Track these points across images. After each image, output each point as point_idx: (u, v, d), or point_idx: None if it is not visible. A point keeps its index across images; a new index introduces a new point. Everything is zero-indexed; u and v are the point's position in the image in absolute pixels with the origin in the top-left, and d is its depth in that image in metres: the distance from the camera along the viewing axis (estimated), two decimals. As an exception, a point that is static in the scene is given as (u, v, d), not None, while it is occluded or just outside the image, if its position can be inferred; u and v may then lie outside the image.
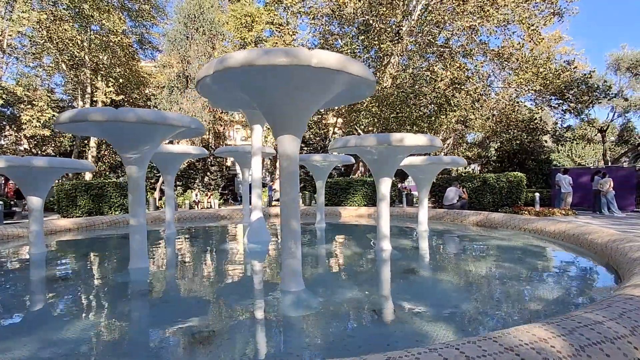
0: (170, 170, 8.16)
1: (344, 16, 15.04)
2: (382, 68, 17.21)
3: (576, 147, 36.78)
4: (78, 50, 18.24)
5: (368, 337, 2.65)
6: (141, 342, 2.68)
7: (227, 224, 10.79)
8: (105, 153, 22.73)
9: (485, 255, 5.85)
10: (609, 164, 25.03)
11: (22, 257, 5.91)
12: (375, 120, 16.96)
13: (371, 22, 15.61)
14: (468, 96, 15.50)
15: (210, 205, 20.55)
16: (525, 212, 12.25)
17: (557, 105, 18.58)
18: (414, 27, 16.40)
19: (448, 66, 15.43)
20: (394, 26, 16.51)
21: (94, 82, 20.04)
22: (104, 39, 18.02)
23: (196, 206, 20.30)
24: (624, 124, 29.58)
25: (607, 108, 28.28)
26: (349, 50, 16.27)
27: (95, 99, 20.82)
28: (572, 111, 18.59)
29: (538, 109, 19.16)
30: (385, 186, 5.74)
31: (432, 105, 16.51)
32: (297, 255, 3.62)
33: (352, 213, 12.27)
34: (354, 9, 14.83)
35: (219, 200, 21.65)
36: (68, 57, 18.54)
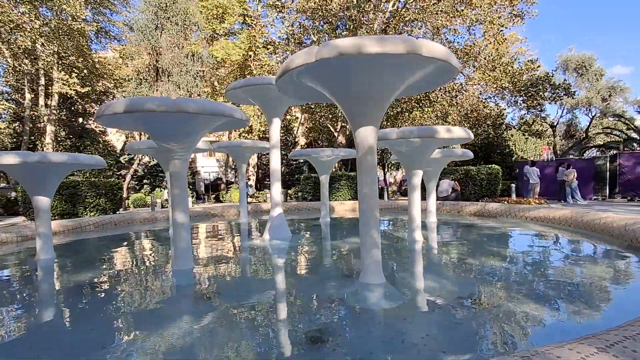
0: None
1: (329, 10, 15.00)
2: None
3: (519, 142, 39.54)
4: (31, 37, 16.58)
5: (478, 326, 2.71)
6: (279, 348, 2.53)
7: (223, 222, 10.41)
8: (63, 149, 20.90)
9: (511, 242, 6.16)
10: (559, 157, 27.22)
11: (36, 265, 5.31)
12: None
13: (353, 17, 15.70)
14: (446, 93, 16.14)
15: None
16: (506, 202, 13.00)
17: (521, 102, 19.91)
18: (388, 23, 16.72)
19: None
20: (370, 21, 16.73)
21: (49, 73, 18.34)
22: (63, 25, 16.50)
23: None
24: (570, 120, 32.41)
25: (556, 105, 30.71)
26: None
27: (50, 91, 19.10)
28: (535, 108, 20.04)
29: (502, 106, 20.40)
30: (417, 178, 5.85)
31: (411, 102, 16.98)
32: (379, 248, 3.59)
33: (346, 207, 12.35)
34: (339, 3, 14.85)
35: (193, 198, 20.79)
36: (14, 44, 16.78)
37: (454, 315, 2.88)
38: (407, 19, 16.47)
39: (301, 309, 3.21)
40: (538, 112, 23.32)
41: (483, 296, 3.38)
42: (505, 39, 20.25)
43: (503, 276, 4.15)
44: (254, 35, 17.92)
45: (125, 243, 7.25)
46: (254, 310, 3.13)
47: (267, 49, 17.76)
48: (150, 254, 6.01)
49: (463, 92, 16.92)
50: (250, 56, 18.29)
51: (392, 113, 16.56)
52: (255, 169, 24.66)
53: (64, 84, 17.09)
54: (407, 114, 16.91)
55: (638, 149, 21.03)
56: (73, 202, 11.97)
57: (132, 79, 18.26)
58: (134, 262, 5.45)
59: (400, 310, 3.03)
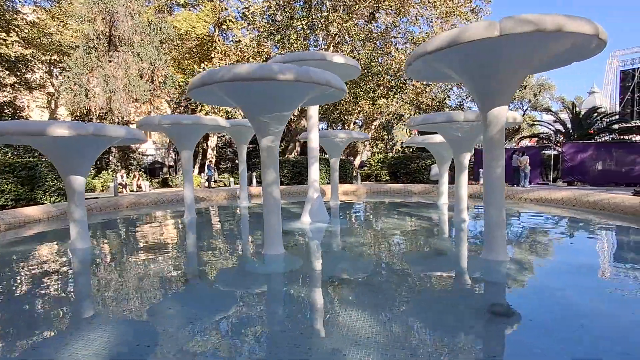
0: (188, 145, 7.01)
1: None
2: (335, 50, 17.27)
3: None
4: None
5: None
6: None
7: (223, 205, 9.78)
8: None
9: (534, 218, 6.69)
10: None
11: (79, 257, 4.51)
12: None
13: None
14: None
15: (141, 188, 18.10)
16: (476, 184, 14.05)
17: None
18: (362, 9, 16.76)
19: (402, 51, 16.36)
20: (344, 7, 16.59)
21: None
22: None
23: (124, 189, 17.65)
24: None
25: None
26: (296, 33, 15.93)
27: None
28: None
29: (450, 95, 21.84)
30: (466, 160, 6.07)
31: (382, 88, 17.32)
32: (505, 226, 3.69)
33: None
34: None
35: (149, 182, 19.13)
36: None
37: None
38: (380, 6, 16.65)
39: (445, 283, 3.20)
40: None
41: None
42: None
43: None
44: (221, 9, 16.78)
45: (145, 227, 6.47)
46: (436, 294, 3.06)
47: (244, 19, 16.72)
48: (210, 241, 5.46)
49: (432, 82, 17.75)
50: (217, 31, 17.14)
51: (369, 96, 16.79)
52: (214, 152, 23.40)
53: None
54: (381, 100, 17.27)
55: (564, 139, 23.94)
56: (31, 185, 10.31)
57: (77, 46, 15.96)
58: (217, 249, 4.89)
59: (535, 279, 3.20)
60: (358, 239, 5.38)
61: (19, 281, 3.52)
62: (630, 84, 30.42)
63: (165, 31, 16.68)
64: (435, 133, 8.67)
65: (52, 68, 19.65)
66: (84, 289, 3.41)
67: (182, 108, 20.88)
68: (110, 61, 16.13)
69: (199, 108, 18.57)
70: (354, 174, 17.32)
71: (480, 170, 16.69)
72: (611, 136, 27.50)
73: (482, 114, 3.63)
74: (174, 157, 35.50)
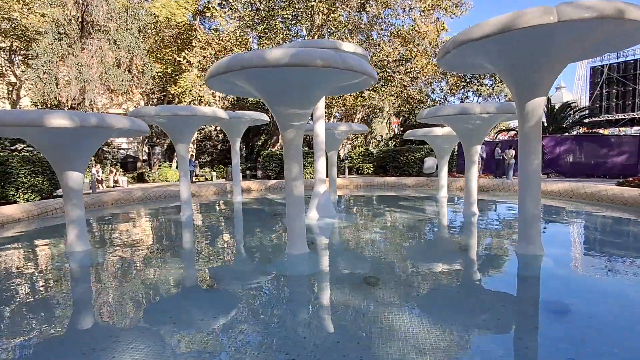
0: (184, 138, 6.60)
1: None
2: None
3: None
4: None
5: None
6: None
7: (211, 201, 9.38)
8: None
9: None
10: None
11: (79, 262, 4.08)
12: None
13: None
14: (407, 73, 16.72)
15: (118, 184, 17.25)
16: (462, 176, 14.23)
17: (463, 86, 21.68)
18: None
19: (389, 44, 16.24)
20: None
21: None
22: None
23: (100, 185, 16.74)
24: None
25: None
26: (281, 23, 15.55)
27: None
28: (475, 92, 22.07)
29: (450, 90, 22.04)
30: (475, 153, 5.99)
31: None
32: (540, 220, 3.60)
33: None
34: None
35: (126, 177, 18.23)
36: None
37: None
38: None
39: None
40: (464, 99, 25.77)
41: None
42: (445, 28, 21.60)
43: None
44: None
45: (153, 226, 6.03)
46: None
47: (226, 6, 16.09)
48: (219, 241, 5.12)
49: (419, 75, 17.75)
50: (197, 20, 16.43)
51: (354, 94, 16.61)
52: (194, 145, 22.62)
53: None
54: (367, 92, 17.12)
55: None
56: (2, 181, 9.50)
57: (46, 32, 14.82)
58: (232, 249, 4.56)
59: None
60: (375, 235, 5.20)
61: (20, 297, 3.11)
62: (599, 79, 31.69)
63: (143, 18, 15.81)
64: (434, 126, 8.61)
65: (13, 56, 18.31)
66: (105, 304, 3.05)
67: (156, 100, 19.95)
68: (83, 49, 15.14)
69: (176, 100, 17.82)
70: (342, 167, 17.16)
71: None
72: (582, 130, 28.63)
73: (519, 105, 3.51)
74: (147, 150, 34.22)
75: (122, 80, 14.59)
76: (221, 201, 9.17)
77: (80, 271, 3.74)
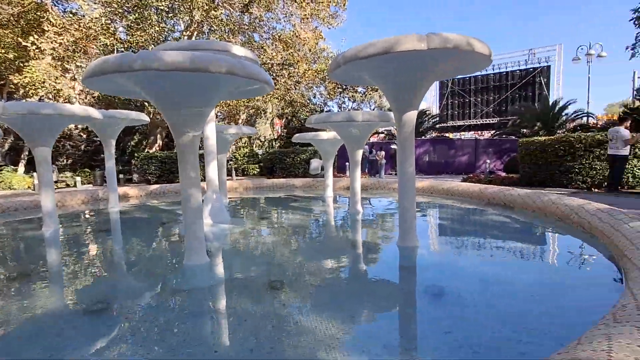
0: (45, 141, 5.63)
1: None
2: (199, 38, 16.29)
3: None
4: None
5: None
6: None
7: (80, 211, 8.17)
8: None
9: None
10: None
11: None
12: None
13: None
14: (290, 77, 17.20)
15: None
16: (342, 176, 15.42)
17: (339, 92, 23.25)
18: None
19: (273, 48, 16.50)
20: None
21: None
22: None
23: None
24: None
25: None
26: (156, 14, 14.49)
27: None
28: (350, 98, 23.90)
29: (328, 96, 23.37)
30: (358, 155, 6.63)
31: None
32: (415, 217, 4.22)
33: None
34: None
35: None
36: None
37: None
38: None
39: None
40: (340, 104, 27.85)
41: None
42: (322, 37, 22.96)
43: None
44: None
45: (8, 245, 4.84)
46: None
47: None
48: (99, 257, 4.45)
49: (301, 80, 18.44)
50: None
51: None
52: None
53: None
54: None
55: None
56: None
57: None
58: (116, 265, 3.96)
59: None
60: (272, 237, 5.31)
61: None
62: (445, 92, 37.65)
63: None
64: (320, 130, 9.15)
65: None
66: None
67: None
68: None
69: (21, 92, 14.88)
70: (228, 168, 16.76)
71: (347, 163, 18.40)
72: (434, 134, 33.73)
73: (397, 116, 4.05)
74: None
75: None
76: (93, 211, 8.05)
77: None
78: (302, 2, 16.40)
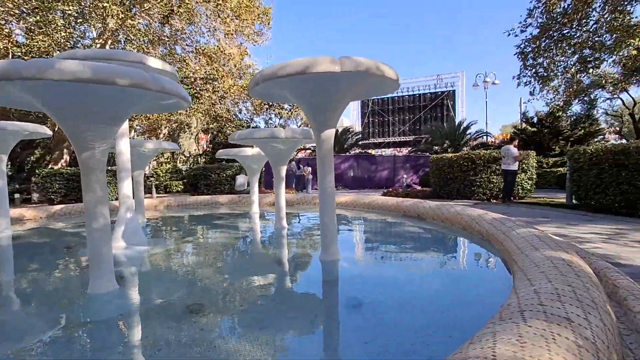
0: None
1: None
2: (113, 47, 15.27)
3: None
4: None
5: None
6: None
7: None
8: None
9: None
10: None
11: None
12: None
13: None
14: (215, 92, 16.78)
15: None
16: (270, 192, 15.36)
17: (266, 108, 23.25)
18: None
19: (196, 62, 16.03)
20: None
21: None
22: None
23: None
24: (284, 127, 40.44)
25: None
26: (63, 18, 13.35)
27: None
28: (277, 115, 24.00)
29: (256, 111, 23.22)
30: (283, 171, 6.70)
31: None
32: (336, 231, 4.38)
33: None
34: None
35: None
36: None
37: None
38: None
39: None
40: (267, 119, 27.94)
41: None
42: (247, 53, 22.98)
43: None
44: None
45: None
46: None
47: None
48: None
49: (226, 95, 18.09)
50: None
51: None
52: None
53: None
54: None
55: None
56: None
57: None
58: (16, 298, 3.34)
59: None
60: (192, 258, 5.07)
61: None
62: (367, 110, 39.86)
63: None
64: (245, 146, 9.07)
65: None
66: None
67: None
68: None
69: None
70: (149, 185, 15.66)
71: (273, 179, 18.44)
72: (357, 150, 35.32)
73: (316, 134, 4.21)
74: None
75: None
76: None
77: None
78: (226, 18, 16.28)
